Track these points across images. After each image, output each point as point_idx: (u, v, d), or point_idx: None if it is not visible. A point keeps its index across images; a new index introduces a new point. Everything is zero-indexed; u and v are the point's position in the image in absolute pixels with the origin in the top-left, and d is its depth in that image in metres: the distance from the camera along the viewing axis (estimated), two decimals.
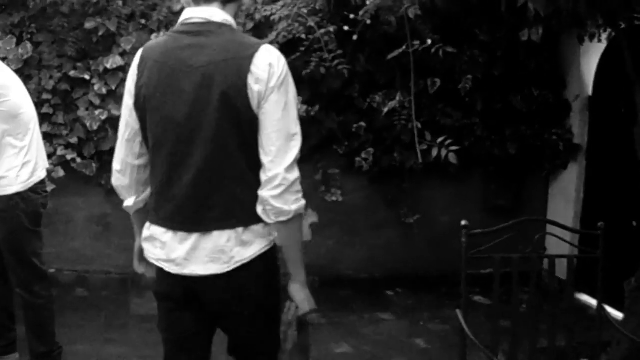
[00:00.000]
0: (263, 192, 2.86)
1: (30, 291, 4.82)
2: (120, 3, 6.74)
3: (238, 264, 2.90)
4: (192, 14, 2.90)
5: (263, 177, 2.86)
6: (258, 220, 2.92)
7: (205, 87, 2.79)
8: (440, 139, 5.83)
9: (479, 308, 6.28)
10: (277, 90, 2.80)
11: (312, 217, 7.35)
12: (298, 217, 3.00)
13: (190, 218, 2.88)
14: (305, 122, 6.69)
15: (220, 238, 2.87)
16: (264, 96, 2.78)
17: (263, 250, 2.97)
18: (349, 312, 6.75)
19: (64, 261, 7.00)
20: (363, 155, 7.12)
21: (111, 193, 6.84)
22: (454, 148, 5.76)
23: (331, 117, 7.07)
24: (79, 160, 6.72)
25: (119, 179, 3.12)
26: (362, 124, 7.06)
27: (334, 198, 7.24)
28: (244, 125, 2.80)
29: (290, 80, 2.88)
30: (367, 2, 6.09)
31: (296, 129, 2.93)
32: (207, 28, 2.87)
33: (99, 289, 6.98)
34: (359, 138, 7.14)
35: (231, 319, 3.08)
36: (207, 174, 2.84)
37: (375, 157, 7.14)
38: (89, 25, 6.59)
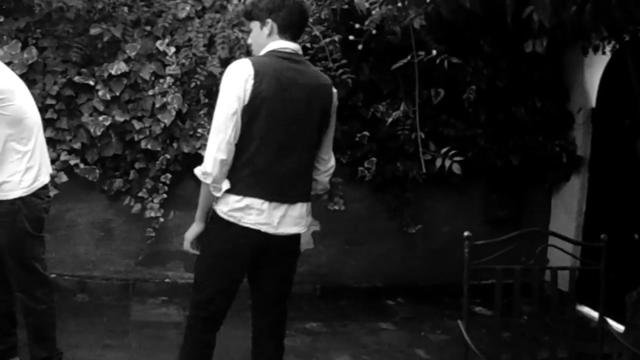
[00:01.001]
0: (323, 177, 4.24)
1: (31, 296, 4.80)
2: (126, 9, 6.75)
3: (306, 227, 4.11)
4: (287, 45, 3.93)
5: (322, 167, 4.19)
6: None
7: (309, 102, 3.91)
8: (444, 150, 5.82)
9: (480, 319, 6.28)
10: (335, 111, 4.19)
11: (314, 226, 7.35)
12: None
13: (284, 193, 3.90)
14: None
15: (302, 209, 4.01)
16: (332, 114, 4.14)
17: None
18: (350, 322, 6.74)
19: (65, 266, 6.99)
20: (366, 165, 7.12)
21: (114, 199, 6.90)
22: (457, 158, 5.76)
23: (335, 126, 7.06)
24: (82, 165, 6.71)
25: (223, 168, 3.79)
26: (366, 133, 7.06)
27: (336, 207, 7.23)
28: (322, 132, 4.06)
29: None
30: (373, 12, 6.10)
31: None
32: (299, 58, 4.00)
33: (100, 294, 6.98)
34: (362, 147, 7.14)
35: (289, 261, 4.17)
36: (303, 162, 3.98)
37: (378, 166, 7.14)
38: (94, 31, 6.59)
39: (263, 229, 3.86)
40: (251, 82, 3.73)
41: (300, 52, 4.00)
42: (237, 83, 3.74)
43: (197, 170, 3.81)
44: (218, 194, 3.84)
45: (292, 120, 3.85)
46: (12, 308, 5.02)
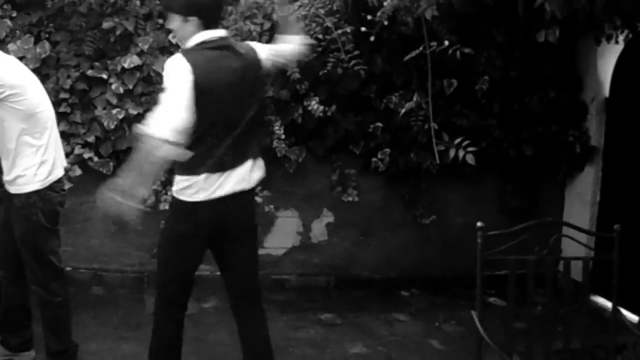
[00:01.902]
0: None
1: (46, 289, 4.85)
2: (138, 3, 6.76)
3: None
4: (214, 35, 4.10)
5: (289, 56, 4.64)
6: None
7: (243, 81, 4.12)
8: (457, 140, 5.82)
9: (494, 309, 6.28)
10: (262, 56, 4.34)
11: (327, 217, 7.37)
12: None
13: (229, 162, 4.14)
14: (322, 122, 6.74)
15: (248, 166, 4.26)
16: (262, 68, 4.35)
17: None
18: (364, 313, 6.75)
19: (80, 259, 7.03)
20: (379, 156, 7.12)
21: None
22: (471, 149, 5.75)
23: (348, 117, 7.07)
24: (96, 159, 6.74)
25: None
26: (379, 124, 7.06)
27: (350, 198, 7.25)
28: (261, 92, 4.67)
29: None
30: (385, 4, 6.09)
31: None
32: (226, 42, 4.19)
33: (115, 287, 7.01)
34: (375, 138, 7.14)
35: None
36: (247, 131, 4.21)
37: (391, 157, 7.14)
38: (106, 24, 6.61)
39: (214, 196, 4.09)
40: (190, 77, 3.88)
41: (225, 34, 4.23)
42: (180, 78, 3.89)
43: (149, 129, 3.78)
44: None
45: (237, 100, 4.11)
46: (27, 301, 5.06)
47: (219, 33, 4.13)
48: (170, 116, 3.81)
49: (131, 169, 3.83)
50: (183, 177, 4.10)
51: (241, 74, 4.12)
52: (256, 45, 4.39)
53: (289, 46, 4.54)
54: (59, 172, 4.86)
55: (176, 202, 4.17)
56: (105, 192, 3.90)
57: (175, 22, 4.11)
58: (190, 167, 4.05)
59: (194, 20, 4.03)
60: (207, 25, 4.07)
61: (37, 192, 4.68)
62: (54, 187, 4.80)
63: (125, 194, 3.86)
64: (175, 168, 4.14)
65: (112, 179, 4.10)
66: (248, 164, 4.23)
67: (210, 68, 3.99)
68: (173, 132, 3.77)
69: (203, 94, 3.91)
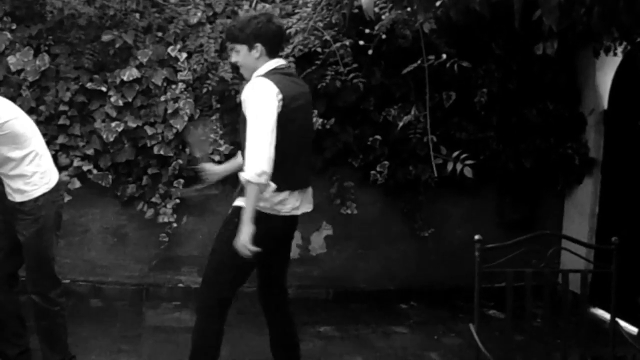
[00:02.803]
0: None
1: (45, 298, 4.90)
2: (137, 16, 6.77)
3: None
4: (282, 63, 4.54)
5: None
6: None
7: (309, 104, 4.70)
8: (455, 153, 5.81)
9: (494, 322, 6.27)
10: None
11: (326, 230, 7.36)
12: None
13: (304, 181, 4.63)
14: (321, 135, 6.75)
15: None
16: None
17: None
18: (363, 325, 6.74)
19: (79, 272, 7.02)
20: (378, 169, 7.12)
21: (127, 204, 6.93)
22: (469, 162, 5.75)
23: (347, 130, 7.08)
24: (95, 171, 6.74)
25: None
26: (378, 137, 7.07)
27: (348, 211, 7.25)
28: None
29: None
30: (382, 17, 6.10)
31: None
32: (292, 70, 4.86)
33: (113, 299, 7.00)
34: (374, 151, 7.15)
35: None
36: (309, 153, 4.84)
37: (390, 170, 7.14)
38: (105, 37, 6.62)
39: (293, 213, 4.53)
40: (280, 98, 4.26)
41: (286, 63, 4.72)
42: (269, 100, 4.23)
43: (250, 174, 4.13)
44: (267, 193, 4.31)
45: (307, 123, 4.66)
46: (19, 309, 5.10)
47: (283, 61, 4.59)
48: (265, 147, 4.15)
49: (248, 208, 4.21)
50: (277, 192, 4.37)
51: (309, 99, 4.65)
52: None
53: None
54: (57, 175, 4.99)
55: (265, 215, 4.36)
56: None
57: (241, 52, 4.49)
58: (281, 182, 4.34)
59: (258, 47, 4.41)
60: (270, 53, 4.46)
61: (44, 195, 4.79)
62: (57, 189, 4.95)
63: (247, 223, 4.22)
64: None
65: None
66: (309, 189, 4.72)
67: (291, 91, 4.36)
68: (270, 161, 4.15)
69: (288, 115, 4.29)
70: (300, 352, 5.02)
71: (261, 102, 4.22)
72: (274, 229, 4.47)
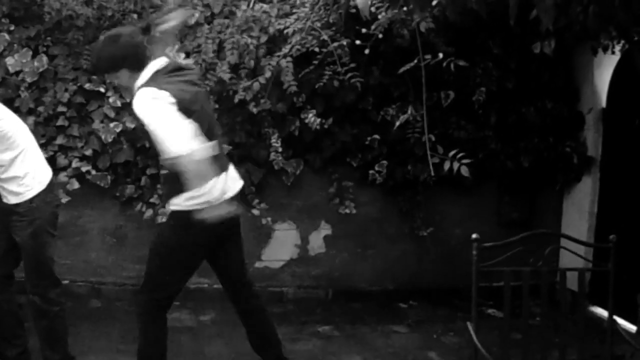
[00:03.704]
0: None
1: (44, 298, 4.91)
2: (135, 16, 6.78)
3: None
4: (159, 64, 4.36)
5: None
6: None
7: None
8: (452, 152, 5.82)
9: (493, 321, 6.27)
10: None
11: (325, 230, 7.37)
12: None
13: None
14: (319, 134, 6.76)
15: None
16: None
17: None
18: (362, 325, 6.75)
19: (78, 272, 7.03)
20: (377, 168, 7.12)
21: (126, 205, 6.93)
22: (465, 161, 5.75)
23: (345, 130, 7.09)
24: (93, 172, 6.75)
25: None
26: (376, 136, 7.08)
27: (347, 210, 7.25)
28: None
29: None
30: (379, 17, 6.10)
31: None
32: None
33: (113, 300, 7.00)
34: (372, 151, 7.16)
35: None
36: None
37: (388, 169, 7.15)
38: None
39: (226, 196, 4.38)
40: (172, 100, 4.13)
41: (166, 57, 4.49)
42: (162, 101, 4.13)
43: (176, 151, 4.02)
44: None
45: (205, 109, 4.51)
46: (17, 309, 5.11)
47: (159, 62, 4.38)
48: (177, 131, 4.06)
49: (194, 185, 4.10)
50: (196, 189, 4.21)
51: (198, 88, 4.59)
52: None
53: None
54: (50, 174, 5.01)
55: (184, 213, 4.28)
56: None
57: (111, 79, 4.67)
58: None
59: (123, 72, 4.35)
60: (138, 69, 4.33)
61: (38, 195, 4.81)
62: (52, 189, 4.98)
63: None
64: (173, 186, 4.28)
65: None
66: (231, 165, 4.61)
67: (177, 89, 4.21)
68: (191, 140, 4.04)
69: (185, 112, 4.15)
70: (284, 348, 4.99)
71: (155, 107, 4.12)
72: (197, 225, 4.28)
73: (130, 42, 4.35)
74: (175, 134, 4.05)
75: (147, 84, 4.23)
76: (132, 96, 4.37)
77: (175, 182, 4.16)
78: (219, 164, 4.32)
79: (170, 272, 4.50)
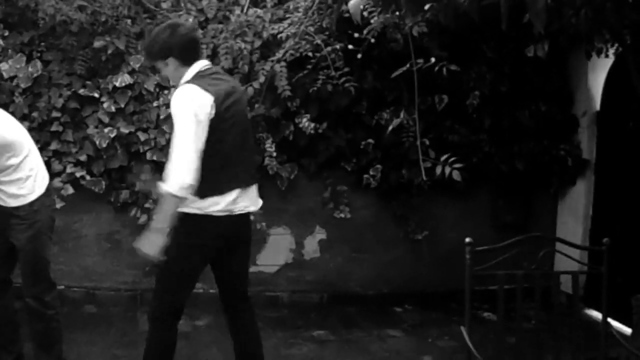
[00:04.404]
0: None
1: (41, 301, 4.89)
2: (129, 22, 6.78)
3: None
4: (203, 64, 4.39)
5: None
6: None
7: (242, 99, 4.60)
8: (444, 157, 5.81)
9: (487, 324, 6.27)
10: None
11: (320, 234, 7.37)
12: None
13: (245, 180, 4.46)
14: (314, 139, 6.76)
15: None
16: None
17: None
18: (357, 329, 6.74)
19: (73, 278, 7.02)
20: (371, 172, 7.14)
21: (120, 210, 6.93)
22: (457, 165, 5.74)
23: (339, 134, 7.09)
24: (88, 177, 6.75)
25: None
26: (370, 141, 7.08)
27: (342, 215, 7.26)
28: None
29: None
30: (372, 21, 6.10)
31: None
32: (216, 69, 4.58)
33: (108, 305, 7.00)
34: (367, 155, 7.16)
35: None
36: (251, 150, 4.73)
37: (383, 174, 7.16)
38: (98, 43, 6.63)
39: (232, 212, 4.35)
40: (211, 100, 4.17)
41: (210, 64, 4.50)
42: (195, 108, 4.13)
43: (174, 186, 4.04)
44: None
45: (242, 119, 4.46)
46: (14, 314, 5.10)
47: (206, 62, 4.44)
48: (190, 159, 4.08)
49: (161, 217, 4.13)
50: (209, 197, 4.26)
51: (241, 92, 4.62)
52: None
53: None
54: (47, 178, 5.01)
55: (194, 217, 4.28)
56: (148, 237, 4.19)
57: (161, 67, 4.45)
58: (217, 183, 4.28)
59: (171, 60, 4.33)
60: (186, 61, 4.34)
61: (39, 199, 4.81)
62: (49, 194, 4.98)
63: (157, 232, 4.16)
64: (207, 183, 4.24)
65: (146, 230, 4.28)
66: (255, 186, 4.55)
67: (221, 89, 4.26)
68: (193, 173, 4.07)
69: (219, 115, 4.19)
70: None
71: (187, 111, 4.13)
72: (207, 230, 4.34)
73: (186, 35, 4.39)
74: (187, 161, 4.07)
75: (192, 81, 4.27)
76: (173, 86, 4.58)
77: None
78: (234, 180, 4.34)
79: (174, 278, 4.45)
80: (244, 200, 4.41)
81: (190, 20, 6.77)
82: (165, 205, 4.10)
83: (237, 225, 4.43)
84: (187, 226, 4.26)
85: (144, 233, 4.21)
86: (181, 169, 4.06)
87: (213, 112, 4.16)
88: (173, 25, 4.48)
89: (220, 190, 4.28)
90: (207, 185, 4.18)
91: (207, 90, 4.17)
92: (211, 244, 4.38)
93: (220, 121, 4.21)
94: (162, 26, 4.50)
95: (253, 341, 4.71)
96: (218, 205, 4.27)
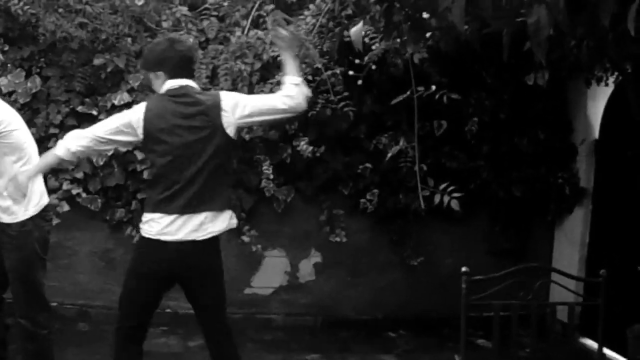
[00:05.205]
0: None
1: (33, 321, 4.83)
2: (129, 40, 6.79)
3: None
4: (174, 84, 4.37)
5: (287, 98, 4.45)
6: None
7: (191, 126, 4.33)
8: (442, 185, 5.80)
9: (482, 351, 6.24)
10: (232, 104, 4.38)
11: (315, 257, 7.35)
12: None
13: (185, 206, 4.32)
14: (311, 162, 6.74)
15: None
16: (227, 113, 4.38)
17: None
18: (350, 354, 6.71)
19: (66, 295, 7.00)
20: (368, 197, 7.12)
21: (115, 229, 6.91)
22: (456, 195, 5.73)
23: (337, 158, 7.08)
24: (84, 195, 6.75)
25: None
26: (368, 165, 7.08)
27: (338, 239, 7.24)
28: (220, 139, 4.34)
29: None
30: (373, 47, 6.10)
31: None
32: (184, 91, 4.38)
33: (100, 323, 6.95)
34: (364, 179, 7.15)
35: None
36: (204, 177, 4.33)
37: (380, 198, 7.14)
38: (97, 61, 6.64)
39: (163, 238, 4.27)
40: (141, 116, 4.31)
41: (191, 84, 4.42)
42: (132, 116, 4.35)
43: (60, 145, 4.34)
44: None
45: (181, 148, 4.27)
46: (4, 333, 5.07)
47: (181, 82, 4.38)
48: (85, 134, 4.34)
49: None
50: (147, 214, 4.36)
51: (191, 119, 4.31)
52: (228, 101, 4.36)
53: (278, 99, 4.41)
54: (47, 199, 4.94)
55: (140, 239, 4.44)
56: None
57: (150, 77, 4.49)
58: (151, 205, 4.37)
59: (159, 73, 4.39)
60: (173, 75, 4.37)
61: (31, 219, 4.73)
62: (45, 215, 4.88)
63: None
64: (145, 205, 4.47)
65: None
66: (203, 214, 4.32)
67: (159, 111, 4.31)
68: (81, 145, 4.32)
69: (150, 134, 4.29)
70: None
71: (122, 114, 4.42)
72: (147, 254, 4.37)
73: (182, 52, 4.41)
74: (82, 133, 4.34)
75: (150, 97, 4.43)
76: None
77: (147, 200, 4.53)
78: (167, 204, 4.27)
79: (130, 298, 4.46)
80: (187, 228, 4.27)
81: (191, 40, 6.76)
82: (46, 157, 4.43)
83: (182, 253, 4.29)
84: (135, 250, 4.51)
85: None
86: (75, 136, 4.32)
87: (140, 128, 4.29)
88: (173, 40, 4.54)
89: (152, 208, 4.32)
90: (147, 198, 4.51)
91: (149, 108, 4.33)
92: (152, 268, 4.34)
93: (149, 142, 4.33)
94: (164, 39, 4.64)
95: None
96: (153, 228, 4.28)
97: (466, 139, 7.20)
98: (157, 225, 4.26)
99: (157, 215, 4.28)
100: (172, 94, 4.35)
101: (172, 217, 4.25)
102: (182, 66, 4.40)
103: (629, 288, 6.36)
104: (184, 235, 4.26)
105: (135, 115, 4.31)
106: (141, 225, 4.38)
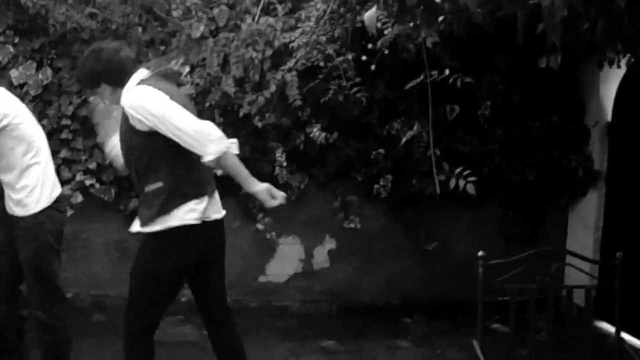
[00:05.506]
0: None
1: (49, 313, 4.83)
2: (140, 29, 6.78)
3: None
4: (141, 75, 4.17)
5: None
6: None
7: None
8: (458, 170, 5.78)
9: (498, 336, 6.24)
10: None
11: (329, 244, 7.35)
12: None
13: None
14: (324, 149, 6.73)
15: None
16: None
17: None
18: (366, 340, 6.71)
19: (81, 286, 7.01)
20: (381, 182, 7.11)
21: (129, 218, 6.85)
22: (472, 179, 5.72)
23: (350, 144, 7.08)
24: (97, 185, 6.75)
25: None
26: (381, 150, 7.06)
27: (352, 225, 7.23)
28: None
29: None
30: (385, 32, 6.09)
31: None
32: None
33: (116, 313, 6.90)
34: (377, 165, 7.14)
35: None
36: None
37: (393, 184, 7.13)
38: None
39: (211, 217, 4.20)
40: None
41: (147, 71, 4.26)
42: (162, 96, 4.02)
43: (218, 147, 3.95)
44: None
45: None
46: (21, 324, 5.08)
47: (145, 73, 4.21)
48: (199, 122, 4.05)
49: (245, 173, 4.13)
50: (182, 204, 4.10)
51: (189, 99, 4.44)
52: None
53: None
54: (59, 189, 4.92)
55: (171, 230, 4.11)
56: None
57: (97, 94, 4.35)
58: (192, 191, 4.13)
59: (104, 87, 4.22)
60: (118, 85, 4.17)
61: (43, 211, 4.71)
62: (58, 206, 4.85)
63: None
64: (170, 197, 4.10)
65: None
66: (217, 193, 4.36)
67: (175, 93, 4.17)
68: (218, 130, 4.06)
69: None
70: None
71: (157, 100, 4.00)
72: (197, 240, 4.20)
73: (112, 58, 4.19)
74: (200, 126, 4.01)
75: (139, 84, 4.12)
76: (105, 129, 4.71)
77: (177, 191, 4.09)
78: (205, 186, 4.24)
79: (149, 295, 4.30)
80: (217, 205, 4.30)
81: (202, 28, 6.75)
82: (233, 163, 4.04)
83: (221, 231, 4.38)
84: (167, 247, 4.18)
85: None
86: (205, 132, 3.99)
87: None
88: (95, 51, 4.28)
89: (196, 194, 4.13)
90: (186, 188, 4.10)
91: (159, 89, 4.04)
92: (196, 255, 4.25)
93: None
94: (85, 54, 4.35)
95: (236, 355, 4.57)
96: (194, 213, 4.10)
97: (479, 123, 7.18)
98: (198, 209, 4.10)
99: (194, 200, 4.10)
100: (163, 74, 4.25)
101: (206, 198, 4.17)
102: (121, 69, 4.19)
103: None
104: (219, 214, 4.29)
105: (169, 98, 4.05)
106: (188, 214, 4.10)
